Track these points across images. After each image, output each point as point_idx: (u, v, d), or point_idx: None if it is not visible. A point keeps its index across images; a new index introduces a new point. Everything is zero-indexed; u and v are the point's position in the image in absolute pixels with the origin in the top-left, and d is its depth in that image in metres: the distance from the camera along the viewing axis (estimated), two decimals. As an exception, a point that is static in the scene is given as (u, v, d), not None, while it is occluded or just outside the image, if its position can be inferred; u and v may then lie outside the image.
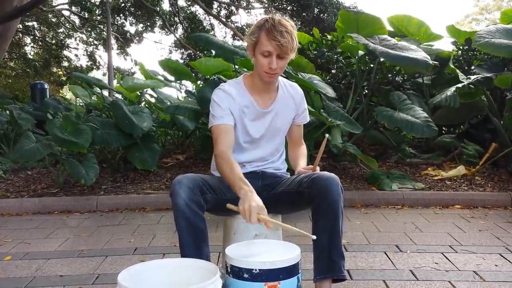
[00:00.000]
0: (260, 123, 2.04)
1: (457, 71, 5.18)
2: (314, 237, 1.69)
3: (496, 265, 2.56)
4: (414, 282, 2.31)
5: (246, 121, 2.01)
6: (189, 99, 5.78)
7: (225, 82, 2.13)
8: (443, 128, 6.28)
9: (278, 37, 1.82)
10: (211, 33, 17.30)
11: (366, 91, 5.75)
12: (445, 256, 2.72)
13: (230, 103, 1.98)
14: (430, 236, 3.19)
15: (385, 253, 2.80)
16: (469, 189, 4.45)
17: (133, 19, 18.50)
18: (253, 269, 1.53)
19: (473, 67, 5.59)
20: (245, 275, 1.54)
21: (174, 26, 18.53)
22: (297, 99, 2.13)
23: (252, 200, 1.66)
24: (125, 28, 19.46)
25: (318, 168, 1.95)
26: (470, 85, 4.93)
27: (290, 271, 1.57)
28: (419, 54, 4.76)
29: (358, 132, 4.68)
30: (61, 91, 19.97)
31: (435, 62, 5.17)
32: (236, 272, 1.56)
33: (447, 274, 2.42)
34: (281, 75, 2.10)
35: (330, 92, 4.59)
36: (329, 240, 1.79)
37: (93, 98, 6.37)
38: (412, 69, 5.41)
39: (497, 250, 2.83)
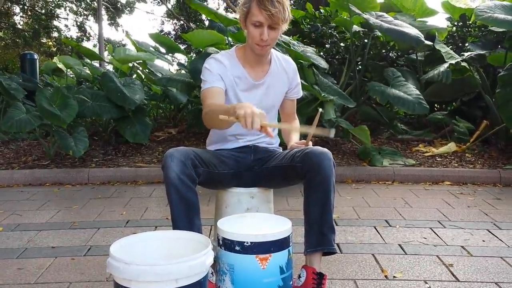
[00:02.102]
0: (252, 95, 2.01)
1: (442, 51, 5.13)
2: (333, 133, 1.70)
3: (483, 241, 2.60)
4: (403, 256, 2.35)
5: (238, 90, 1.99)
6: (182, 71, 5.73)
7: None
8: (435, 104, 6.29)
9: (269, 6, 1.78)
10: (204, 3, 17.02)
11: (360, 67, 5.73)
12: (434, 231, 2.76)
13: (222, 70, 1.96)
14: (419, 211, 3.23)
15: (375, 228, 2.83)
16: (459, 166, 4.50)
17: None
18: (244, 242, 1.54)
19: (467, 44, 5.58)
20: (237, 248, 1.55)
21: (167, -3, 18.22)
22: (290, 73, 2.10)
23: (251, 106, 1.60)
24: (116, -2, 19.14)
25: (310, 143, 1.95)
26: (463, 62, 4.92)
27: (281, 244, 1.58)
28: (412, 30, 4.75)
29: (351, 107, 4.68)
30: (51, 62, 19.70)
31: (429, 43, 5.14)
32: (228, 245, 1.57)
33: (435, 249, 2.46)
34: (274, 48, 2.07)
35: (323, 64, 4.56)
36: (321, 214, 1.80)
37: (84, 69, 6.29)
38: (406, 44, 5.39)
39: (485, 226, 2.88)
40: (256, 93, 2.02)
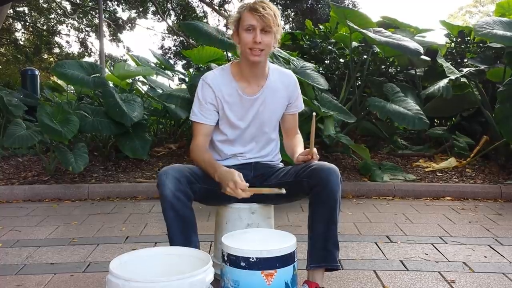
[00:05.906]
0: (246, 111, 2.00)
1: (443, 65, 5.16)
2: (283, 191, 1.73)
3: (485, 257, 2.58)
4: (404, 272, 2.33)
5: (228, 111, 1.98)
6: (182, 85, 5.75)
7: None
8: (435, 120, 6.30)
9: (260, 9, 1.81)
10: (204, 20, 17.14)
11: (359, 82, 5.75)
12: (435, 247, 2.74)
13: (211, 97, 1.97)
14: (421, 227, 3.22)
15: (376, 244, 2.82)
16: (459, 181, 4.49)
17: (125, 6, 18.32)
18: (250, 258, 1.54)
19: (466, 60, 5.61)
20: (242, 264, 1.54)
21: (167, 13, 18.37)
22: (289, 87, 2.07)
23: (228, 179, 1.74)
24: (117, 15, 19.30)
25: (314, 149, 1.91)
26: (463, 78, 4.94)
27: (286, 260, 1.58)
28: (411, 43, 4.78)
29: (351, 121, 4.69)
30: (52, 78, 19.78)
31: (427, 58, 5.16)
32: (233, 261, 1.56)
33: (436, 265, 2.44)
34: (272, 62, 2.08)
35: (322, 83, 4.56)
36: (326, 230, 1.79)
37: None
38: (405, 57, 5.42)
39: (486, 242, 2.86)
40: (250, 109, 2.00)
